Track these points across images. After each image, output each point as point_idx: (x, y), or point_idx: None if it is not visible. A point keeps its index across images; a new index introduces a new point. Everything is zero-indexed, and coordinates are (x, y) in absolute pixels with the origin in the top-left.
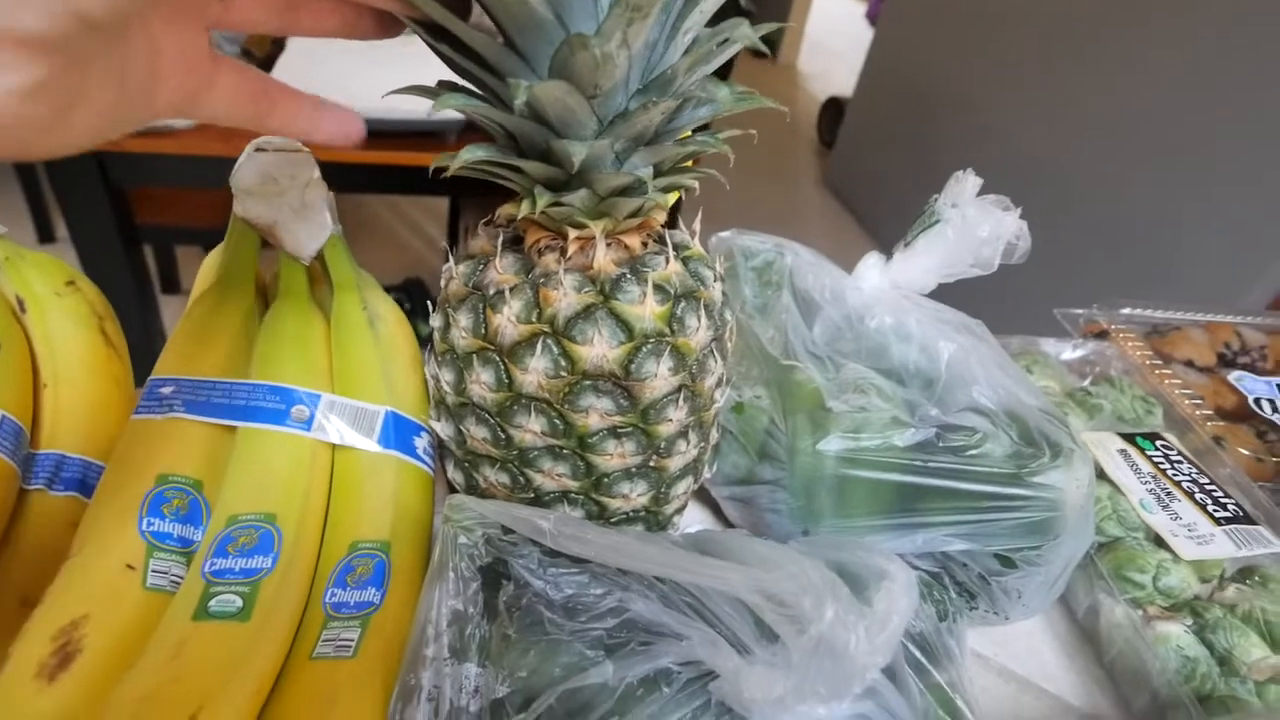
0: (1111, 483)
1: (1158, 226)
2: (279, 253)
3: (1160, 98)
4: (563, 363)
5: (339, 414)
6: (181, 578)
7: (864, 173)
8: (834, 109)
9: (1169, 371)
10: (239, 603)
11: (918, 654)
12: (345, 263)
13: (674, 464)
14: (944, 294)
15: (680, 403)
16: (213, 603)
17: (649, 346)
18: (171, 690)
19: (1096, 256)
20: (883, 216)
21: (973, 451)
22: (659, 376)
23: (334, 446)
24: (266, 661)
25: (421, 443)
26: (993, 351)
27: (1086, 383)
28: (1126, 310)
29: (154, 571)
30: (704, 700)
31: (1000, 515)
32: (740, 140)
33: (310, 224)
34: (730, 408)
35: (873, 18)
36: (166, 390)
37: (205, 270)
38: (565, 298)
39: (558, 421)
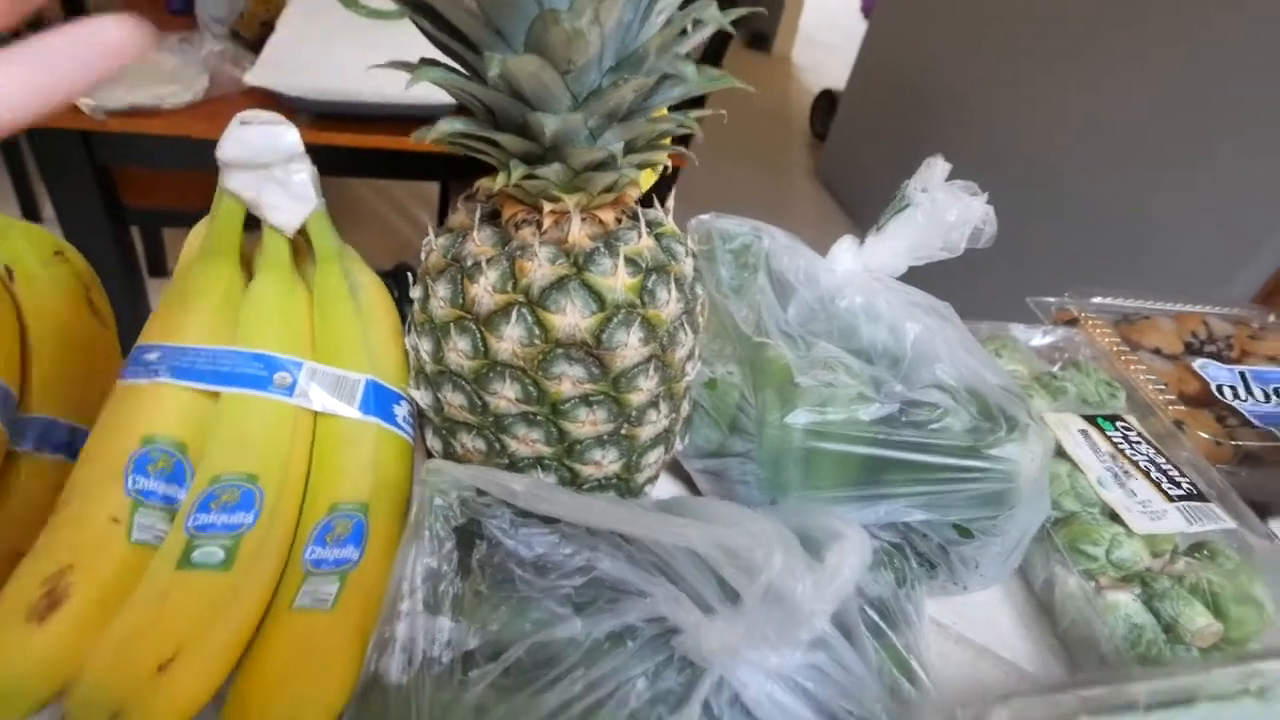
0: (1071, 461)
1: (1141, 219)
2: (263, 226)
3: (1146, 94)
4: (537, 331)
5: (321, 381)
6: (165, 533)
7: (855, 165)
8: (827, 102)
9: (1135, 358)
10: (221, 554)
11: (875, 617)
12: (328, 235)
13: (645, 433)
14: (920, 281)
15: (651, 373)
16: (195, 554)
17: (620, 317)
18: (154, 633)
19: (1079, 248)
20: (871, 209)
21: (934, 425)
22: (629, 346)
23: (315, 413)
24: (247, 609)
25: (401, 411)
26: (958, 333)
27: (1055, 368)
28: (1098, 299)
29: (139, 526)
30: (667, 655)
31: (958, 486)
32: (733, 132)
33: (294, 197)
34: (703, 383)
35: (867, 11)
36: (152, 356)
37: (191, 242)
38: (540, 269)
39: (532, 389)
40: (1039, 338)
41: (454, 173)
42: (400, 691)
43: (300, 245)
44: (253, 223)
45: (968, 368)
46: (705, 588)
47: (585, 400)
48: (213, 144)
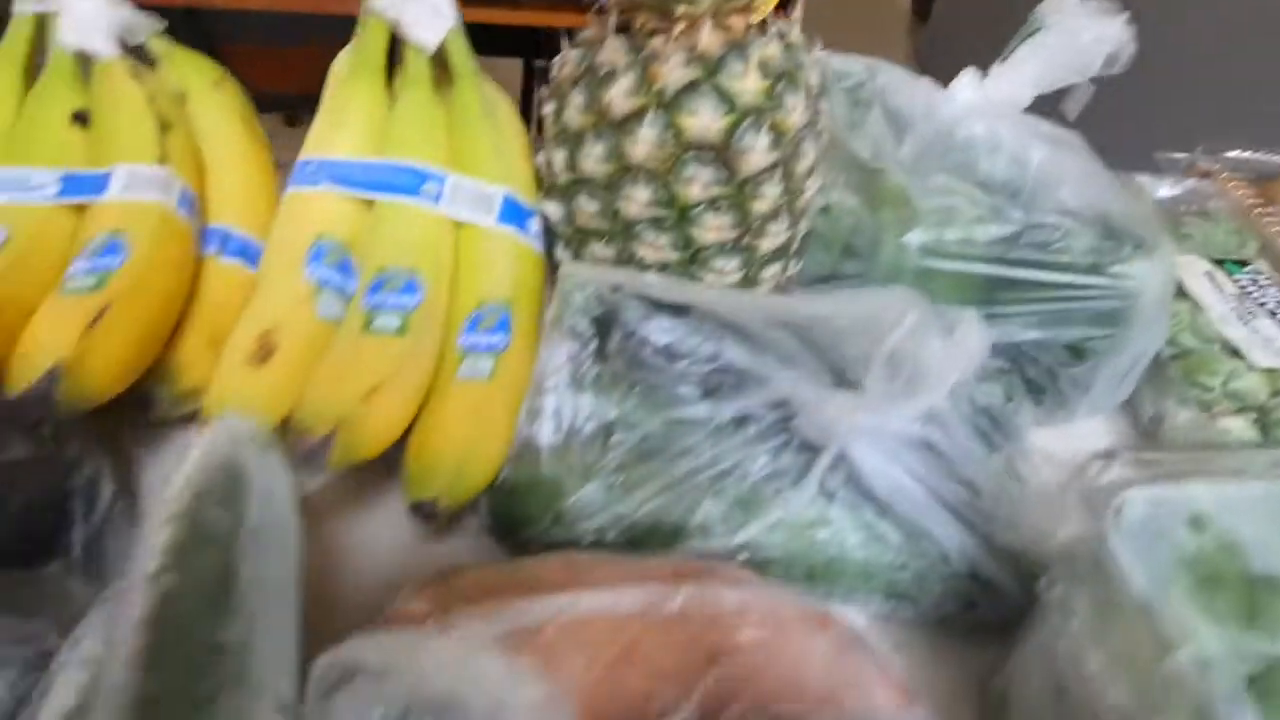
0: (1192, 300)
1: None
2: (404, 47)
3: None
4: (669, 134)
5: (462, 192)
6: (342, 314)
7: (958, 49)
8: None
9: (1271, 212)
10: (397, 323)
11: (985, 423)
12: (465, 52)
13: (765, 244)
14: None
15: (776, 180)
16: (375, 322)
17: (750, 120)
18: (355, 373)
19: (1206, 102)
20: None
21: (1055, 245)
22: (757, 151)
23: (457, 221)
24: (423, 367)
25: (533, 225)
26: (1085, 161)
27: (1182, 217)
28: (1233, 154)
29: (321, 305)
30: (785, 439)
31: (1078, 305)
32: (826, 11)
33: (434, 13)
34: (817, 210)
35: None
36: (313, 168)
37: (336, 68)
38: (672, 73)
39: (662, 193)
40: (1166, 189)
41: (539, 48)
42: (551, 452)
43: (437, 64)
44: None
45: (1094, 191)
46: (825, 376)
47: (713, 204)
48: (313, 19)
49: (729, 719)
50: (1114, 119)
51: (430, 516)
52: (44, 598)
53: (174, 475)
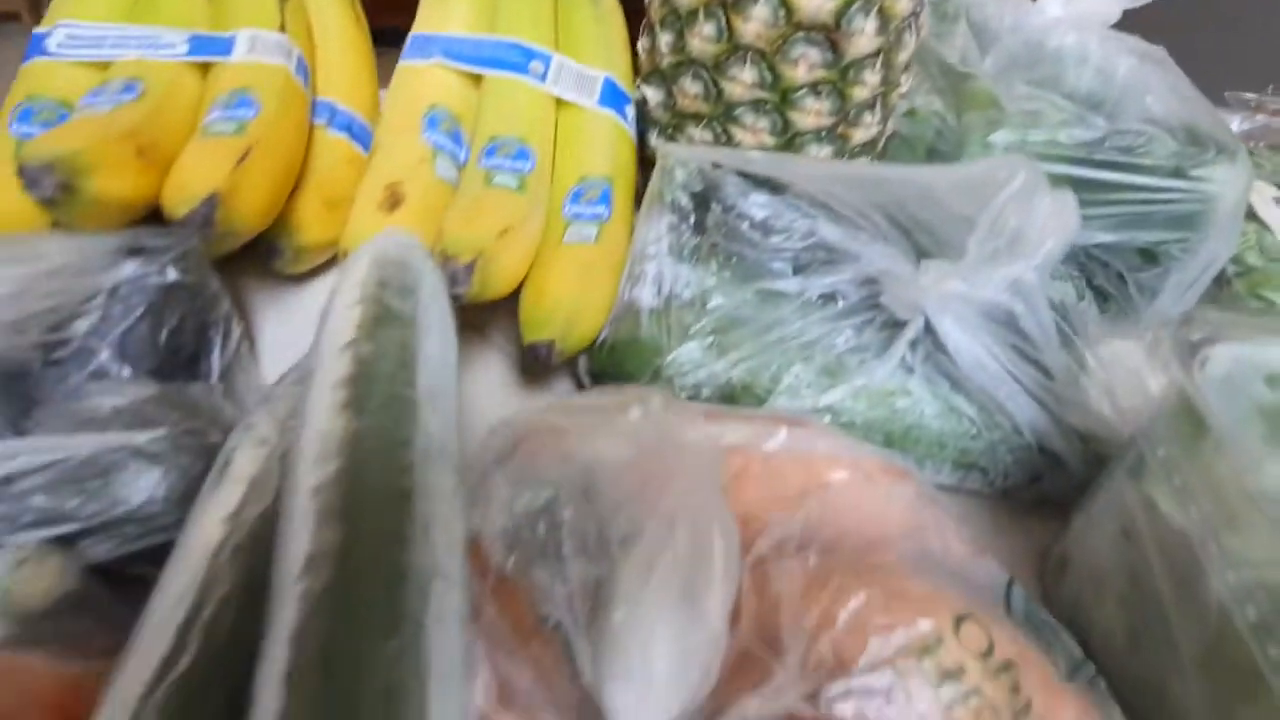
0: (1260, 222)
1: None
2: None
3: None
4: (781, 13)
5: (567, 73)
6: (458, 177)
7: None
8: None
9: None
10: (515, 182)
11: (1057, 318)
12: None
13: (858, 136)
14: None
15: (877, 68)
16: (495, 179)
17: (860, 2)
18: (486, 215)
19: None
20: None
21: (1139, 149)
22: (865, 34)
23: (559, 101)
24: (539, 219)
25: (629, 111)
26: (1171, 74)
27: (1250, 147)
28: None
29: (439, 166)
30: (868, 317)
31: (1157, 208)
32: None
33: None
34: (902, 113)
35: None
36: (426, 43)
37: None
38: None
39: (767, 74)
40: (1237, 124)
41: None
42: (651, 314)
43: None
44: None
45: (1178, 102)
46: (912, 256)
47: (814, 88)
48: None
49: (819, 540)
50: (1187, 59)
51: (546, 359)
52: (199, 404)
53: (352, 269)
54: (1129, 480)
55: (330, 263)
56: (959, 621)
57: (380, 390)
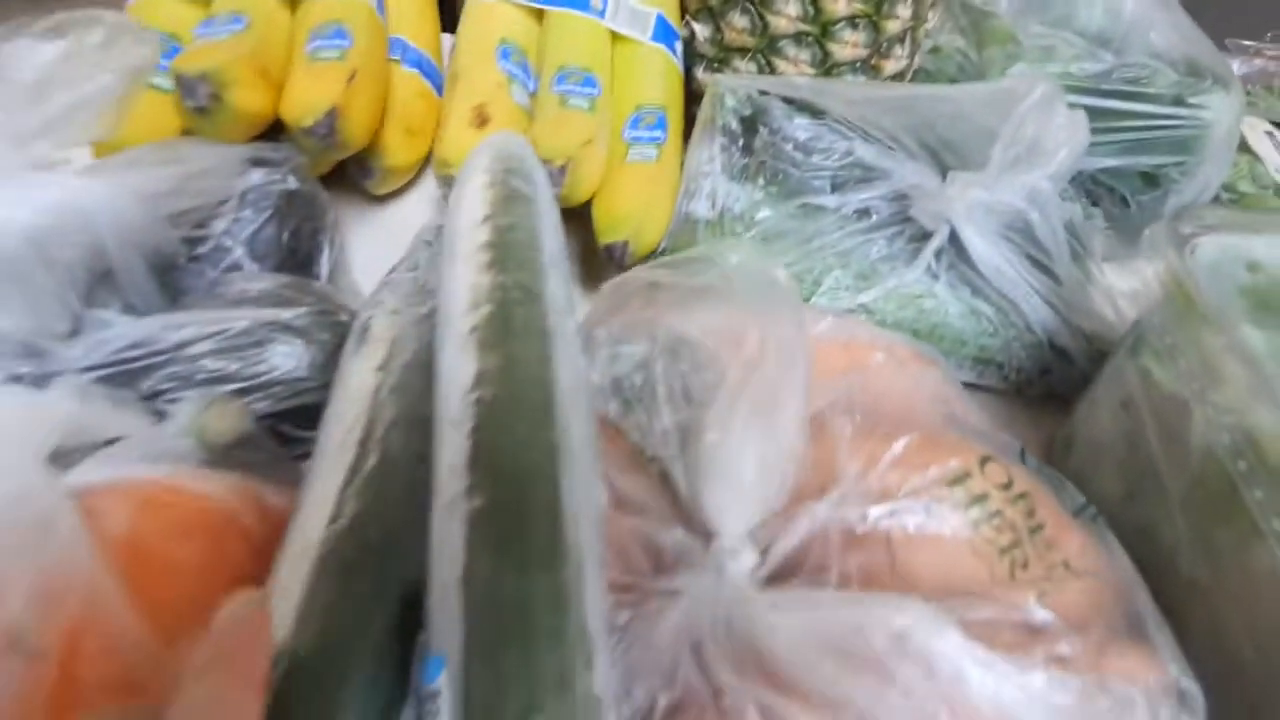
0: (1252, 153)
1: None
2: None
3: None
4: None
5: (623, 9)
6: (530, 105)
7: None
8: None
9: None
10: (586, 104)
11: (1067, 235)
12: None
13: (888, 67)
14: None
15: (908, 2)
16: (568, 103)
17: None
18: (569, 127)
19: None
20: None
21: (1143, 80)
22: None
23: (615, 36)
24: (606, 146)
25: (678, 46)
26: (1171, 10)
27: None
28: None
29: (514, 92)
30: (899, 230)
31: (1160, 133)
32: None
33: None
34: (928, 50)
35: None
36: None
37: None
38: None
39: (810, 7)
40: (1237, 68)
41: None
42: (706, 225)
43: None
44: None
45: (1179, 36)
46: (939, 174)
47: (852, 21)
48: None
49: (861, 407)
50: (1192, 7)
51: (620, 258)
52: (324, 292)
53: (478, 161)
54: (1129, 358)
55: (400, 191)
56: (983, 461)
57: (516, 254)
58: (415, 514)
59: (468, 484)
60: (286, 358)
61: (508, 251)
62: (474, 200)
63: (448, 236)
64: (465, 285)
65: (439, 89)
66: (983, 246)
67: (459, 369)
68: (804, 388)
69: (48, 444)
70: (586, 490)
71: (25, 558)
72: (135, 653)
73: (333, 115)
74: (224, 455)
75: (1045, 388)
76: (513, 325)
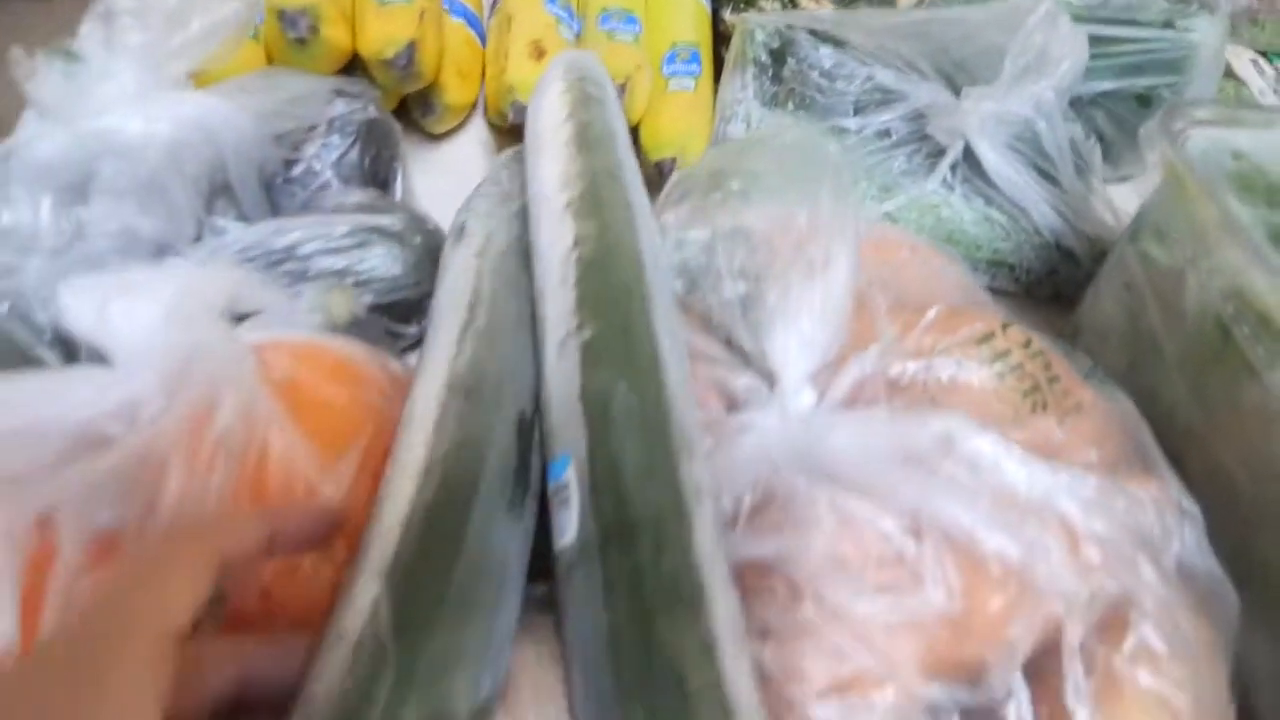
0: (1237, 79)
1: None
2: None
3: None
4: None
5: None
6: (577, 43)
7: None
8: None
9: None
10: (630, 38)
11: (1071, 151)
12: None
13: (903, 2)
14: None
15: None
16: (615, 36)
17: None
18: (619, 57)
19: None
20: None
21: (1136, 5)
22: None
23: None
24: (650, 76)
25: None
26: None
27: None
28: None
29: (562, 31)
30: (916, 147)
31: (1151, 56)
32: None
33: None
34: None
35: None
36: None
37: None
38: None
39: None
40: (1224, 5)
41: None
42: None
43: None
44: None
45: None
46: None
47: None
48: None
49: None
50: None
51: (669, 173)
52: (407, 207)
53: (553, 73)
54: (1129, 245)
55: (451, 133)
56: (1005, 325)
57: (598, 143)
58: (519, 362)
59: (577, 322)
60: (384, 258)
61: (590, 141)
62: (554, 104)
63: (532, 138)
64: (556, 172)
65: (483, 39)
66: (994, 157)
67: (559, 237)
68: (853, 251)
69: (220, 305)
70: (671, 329)
71: (229, 385)
72: (302, 464)
73: (412, 47)
74: (345, 332)
75: (1053, 288)
76: (602, 198)
